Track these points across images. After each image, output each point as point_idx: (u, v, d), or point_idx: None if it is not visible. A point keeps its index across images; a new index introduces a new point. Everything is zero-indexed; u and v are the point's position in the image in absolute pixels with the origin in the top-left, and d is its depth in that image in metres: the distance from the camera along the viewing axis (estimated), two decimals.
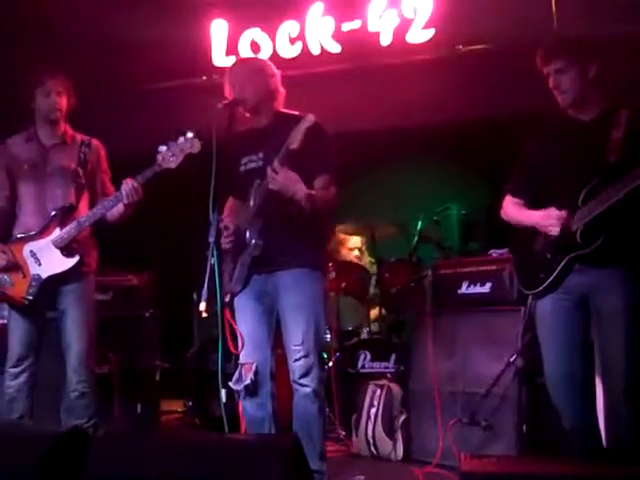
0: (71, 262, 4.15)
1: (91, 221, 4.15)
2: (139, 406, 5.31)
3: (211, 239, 3.28)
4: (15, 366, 4.21)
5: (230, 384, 3.63)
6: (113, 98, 6.33)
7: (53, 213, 4.17)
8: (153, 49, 6.13)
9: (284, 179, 3.49)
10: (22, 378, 4.22)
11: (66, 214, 4.17)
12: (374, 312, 5.96)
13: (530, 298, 3.68)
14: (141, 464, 2.59)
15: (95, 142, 4.41)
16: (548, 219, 3.42)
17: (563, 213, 3.36)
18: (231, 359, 3.74)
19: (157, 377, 5.71)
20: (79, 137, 4.38)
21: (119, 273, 5.55)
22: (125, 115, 6.32)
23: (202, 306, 3.20)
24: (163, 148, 3.96)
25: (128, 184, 4.06)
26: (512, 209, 3.69)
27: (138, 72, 6.30)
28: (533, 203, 3.62)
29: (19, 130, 4.37)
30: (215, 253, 3.26)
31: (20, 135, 4.36)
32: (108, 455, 2.67)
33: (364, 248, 6.42)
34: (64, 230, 4.13)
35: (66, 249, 4.14)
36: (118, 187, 4.16)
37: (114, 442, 2.75)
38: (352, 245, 6.40)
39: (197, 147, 3.93)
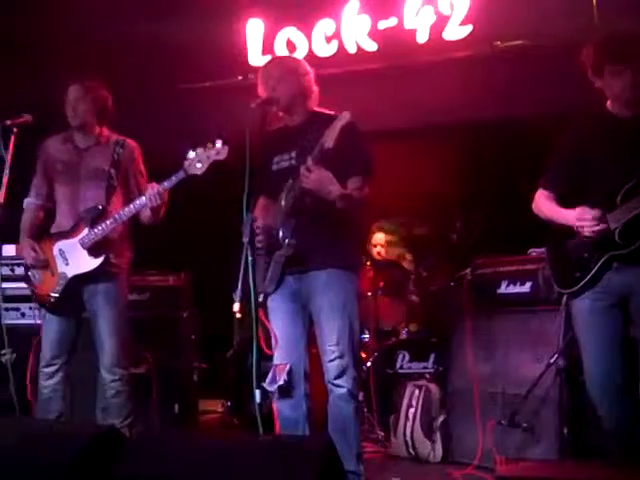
0: (96, 262, 4.18)
1: (117, 223, 4.17)
2: (176, 406, 5.32)
3: (245, 239, 3.26)
4: (48, 366, 4.25)
5: (264, 385, 3.60)
6: (150, 99, 6.36)
7: (83, 213, 4.22)
8: (189, 49, 6.15)
9: (318, 178, 3.46)
10: (56, 378, 4.26)
11: (96, 215, 4.21)
12: (412, 312, 5.90)
13: (565, 297, 3.61)
14: (173, 465, 2.58)
15: (130, 142, 4.42)
16: (583, 219, 3.35)
17: (597, 213, 3.29)
18: (269, 359, 3.72)
19: (195, 377, 5.73)
20: (114, 137, 4.41)
21: (157, 273, 5.57)
22: (161, 116, 6.35)
23: (236, 307, 3.19)
24: (191, 154, 3.97)
25: (153, 189, 4.09)
26: (544, 203, 3.62)
27: (174, 72, 6.33)
28: (565, 198, 3.54)
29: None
30: (249, 253, 3.23)
31: (58, 136, 4.41)
32: (140, 455, 2.67)
33: (389, 246, 6.36)
34: (92, 231, 4.17)
35: (93, 249, 4.17)
36: None
37: (147, 442, 2.75)
38: (376, 241, 6.35)
39: (224, 154, 3.94)
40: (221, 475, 2.49)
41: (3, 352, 4.22)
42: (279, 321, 3.71)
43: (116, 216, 4.17)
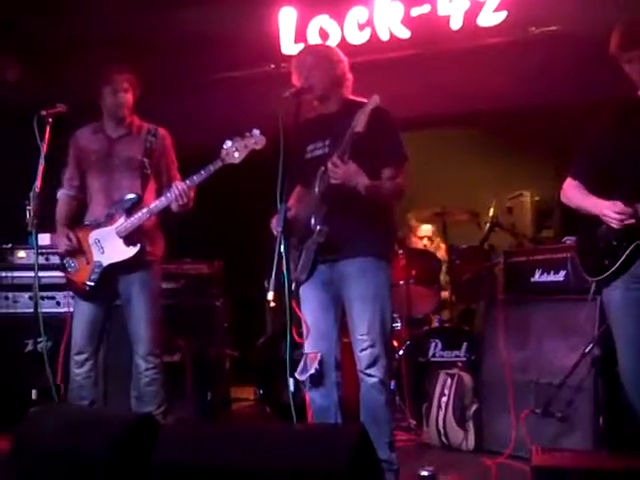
0: (132, 251, 4.22)
1: (152, 213, 4.22)
2: (209, 394, 5.35)
3: (279, 228, 3.27)
4: (79, 353, 4.30)
5: (295, 374, 3.61)
6: (183, 88, 6.38)
7: (118, 202, 4.25)
8: (221, 38, 6.14)
9: (344, 173, 3.46)
10: (87, 366, 4.31)
11: (132, 204, 4.24)
12: (445, 300, 5.88)
13: (594, 286, 3.57)
14: (207, 453, 2.61)
15: (161, 131, 4.45)
16: (612, 212, 3.30)
17: (629, 209, 3.25)
18: (300, 347, 3.73)
19: (227, 365, 5.76)
20: (145, 126, 4.44)
21: (191, 262, 5.61)
22: (194, 105, 6.37)
23: (270, 295, 3.20)
24: (228, 143, 3.99)
25: (178, 188, 4.14)
26: (573, 192, 3.57)
27: (207, 62, 6.32)
28: (594, 187, 3.50)
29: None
30: (283, 242, 3.24)
31: (88, 127, 4.45)
32: (175, 443, 2.70)
33: (434, 237, 6.35)
34: (128, 220, 4.20)
35: (128, 238, 4.21)
36: (185, 177, 4.22)
37: (182, 430, 2.77)
38: (422, 234, 6.34)
39: (262, 143, 3.98)
40: (256, 463, 2.51)
41: (39, 340, 4.26)
42: (311, 310, 3.71)
43: (151, 206, 4.21)
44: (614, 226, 3.29)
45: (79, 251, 4.29)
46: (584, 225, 3.54)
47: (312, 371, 3.63)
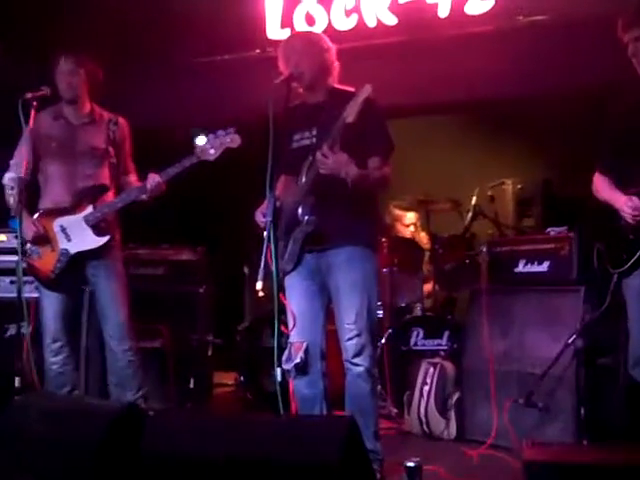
0: (102, 240, 4.23)
1: (123, 204, 4.23)
2: (192, 381, 5.34)
3: (268, 218, 3.26)
4: (55, 341, 4.28)
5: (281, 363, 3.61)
6: (166, 71, 6.31)
7: (84, 190, 4.24)
8: (207, 22, 6.09)
9: (334, 163, 3.44)
10: (64, 353, 4.31)
11: (99, 193, 4.25)
12: (427, 288, 5.89)
13: (615, 277, 3.58)
14: (196, 443, 2.60)
15: (122, 120, 4.45)
16: (628, 208, 3.33)
17: None
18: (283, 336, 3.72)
19: (209, 352, 5.75)
20: (106, 115, 4.42)
21: (172, 247, 5.57)
22: (178, 88, 6.31)
23: (259, 285, 3.19)
24: (203, 139, 3.98)
25: (154, 180, 4.17)
26: (600, 186, 3.59)
27: (191, 45, 6.26)
28: (617, 180, 3.51)
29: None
30: (272, 231, 3.22)
31: (47, 111, 4.34)
32: (164, 433, 2.69)
33: (419, 224, 6.36)
34: (97, 209, 4.20)
35: (97, 227, 4.20)
36: (163, 163, 4.18)
37: (170, 420, 2.77)
38: (408, 221, 6.34)
39: (237, 142, 4.01)
40: (244, 454, 2.50)
41: (22, 324, 4.22)
42: (297, 299, 3.71)
43: (123, 196, 4.23)
44: (630, 221, 3.33)
45: (43, 238, 4.24)
46: (602, 219, 3.55)
47: (297, 360, 3.63)
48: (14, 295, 4.57)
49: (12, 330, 5.17)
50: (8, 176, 4.36)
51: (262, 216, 3.54)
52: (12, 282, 5.24)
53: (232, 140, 4.01)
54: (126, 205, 4.26)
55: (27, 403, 3.13)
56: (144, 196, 4.23)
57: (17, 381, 4.26)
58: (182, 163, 4.10)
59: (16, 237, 4.93)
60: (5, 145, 4.44)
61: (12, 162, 4.38)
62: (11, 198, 4.31)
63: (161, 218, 6.41)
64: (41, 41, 5.89)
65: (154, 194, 4.21)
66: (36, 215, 4.26)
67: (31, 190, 4.33)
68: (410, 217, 6.32)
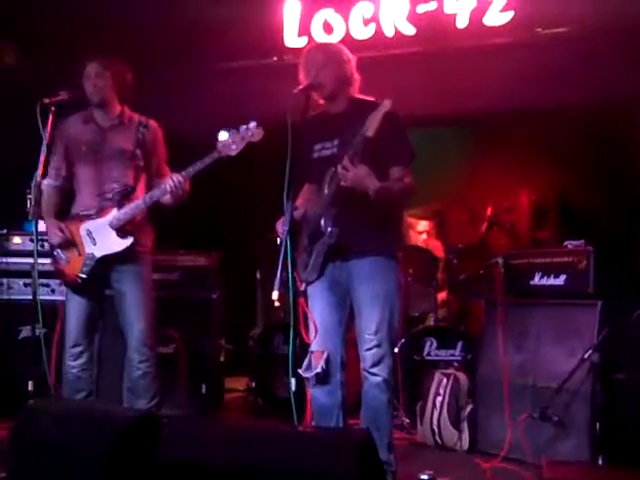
0: (125, 243, 4.19)
1: (147, 205, 4.19)
2: (204, 386, 5.33)
3: (285, 227, 3.25)
4: (75, 346, 4.27)
5: (300, 371, 3.60)
6: (184, 78, 6.34)
7: (110, 194, 4.22)
8: (225, 29, 6.10)
9: (355, 176, 3.43)
10: (84, 358, 4.29)
11: (124, 196, 4.22)
12: (441, 297, 5.87)
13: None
14: (213, 452, 2.59)
15: (152, 123, 4.41)
16: None
17: None
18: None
19: (222, 358, 5.75)
20: (136, 118, 4.40)
21: (187, 253, 5.58)
22: (195, 95, 6.33)
23: (275, 295, 3.17)
24: (225, 135, 3.96)
25: (173, 179, 4.11)
26: None
27: (209, 52, 6.28)
28: None
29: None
30: (289, 241, 3.22)
31: (77, 116, 4.37)
32: (179, 441, 2.67)
33: (434, 232, 6.34)
34: (121, 212, 4.17)
35: (121, 230, 4.18)
36: (179, 168, 4.18)
37: (187, 428, 2.75)
38: (421, 229, 6.33)
39: (259, 136, 3.95)
40: (260, 464, 2.49)
41: (37, 328, 4.23)
42: (319, 308, 3.70)
43: (146, 198, 4.18)
44: None
45: (70, 243, 4.24)
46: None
47: (318, 370, 3.63)
48: (27, 297, 4.62)
49: (25, 332, 5.19)
50: (45, 182, 4.36)
51: (281, 227, 3.53)
52: (26, 285, 5.29)
53: (253, 134, 3.95)
54: (150, 207, 4.22)
55: (40, 408, 3.11)
56: (168, 198, 4.19)
57: (30, 385, 4.29)
58: (203, 160, 4.06)
59: (31, 240, 4.99)
60: (21, 149, 4.46)
61: (50, 167, 4.38)
62: (43, 203, 4.34)
63: (175, 223, 6.43)
64: (60, 46, 5.93)
65: (177, 195, 4.15)
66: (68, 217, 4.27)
67: (66, 195, 4.36)
68: (423, 224, 6.31)
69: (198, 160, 4.08)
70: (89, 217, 4.23)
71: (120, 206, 4.18)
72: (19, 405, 3.17)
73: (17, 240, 5.40)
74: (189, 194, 4.26)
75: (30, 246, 5.18)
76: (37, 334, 4.20)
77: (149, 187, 4.32)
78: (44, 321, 4.28)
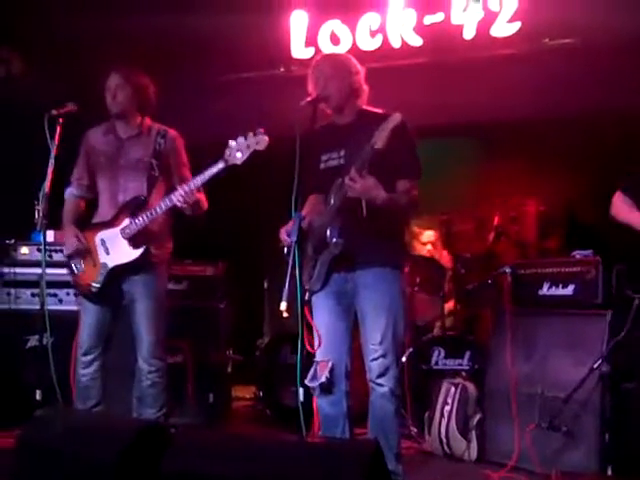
0: (136, 253, 4.19)
1: (155, 216, 4.17)
2: (211, 396, 5.33)
3: (293, 238, 3.25)
4: (86, 354, 4.28)
5: (305, 381, 3.60)
6: (192, 89, 6.37)
7: (124, 204, 4.23)
8: (232, 40, 6.13)
9: (362, 187, 3.43)
10: (94, 366, 4.29)
11: (137, 205, 4.22)
12: (449, 307, 5.87)
13: (637, 301, 3.54)
14: (219, 464, 2.59)
15: (172, 132, 4.41)
16: None
17: None
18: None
19: (229, 368, 5.75)
20: (156, 127, 4.40)
21: (195, 263, 5.59)
22: (203, 105, 6.35)
23: (283, 306, 3.18)
24: (232, 144, 3.97)
25: (179, 190, 4.10)
26: (620, 207, 3.57)
27: (217, 63, 6.32)
28: None
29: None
30: (297, 252, 3.22)
31: (99, 127, 4.41)
32: (186, 452, 2.68)
33: (440, 242, 6.34)
34: (133, 221, 4.17)
35: (133, 240, 4.18)
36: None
37: (193, 439, 2.75)
38: (426, 239, 6.33)
39: (264, 144, 3.94)
40: (268, 475, 2.49)
41: (45, 336, 4.23)
42: (323, 318, 3.71)
43: (157, 208, 4.17)
44: None
45: (86, 252, 4.26)
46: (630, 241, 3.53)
47: (323, 379, 3.63)
48: (35, 307, 4.63)
49: (33, 342, 5.20)
50: (68, 191, 4.42)
51: (286, 234, 3.54)
52: (33, 295, 5.30)
53: (259, 142, 3.94)
54: (166, 216, 4.23)
55: (48, 418, 3.12)
56: (185, 208, 4.15)
57: (38, 394, 4.29)
58: (210, 170, 4.05)
59: (39, 250, 5.01)
60: (28, 159, 4.48)
61: (72, 178, 4.43)
62: (69, 211, 4.38)
63: (181, 232, 6.44)
64: (68, 58, 5.96)
65: (185, 203, 4.10)
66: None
67: (89, 205, 4.40)
68: (428, 235, 6.31)
69: (205, 170, 4.09)
70: (104, 226, 4.25)
71: (133, 216, 4.18)
72: (27, 415, 3.19)
73: (25, 250, 5.42)
74: (207, 204, 4.29)
75: (37, 256, 5.20)
76: (45, 344, 4.19)
77: (159, 195, 4.30)
78: (52, 331, 4.28)
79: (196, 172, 4.18)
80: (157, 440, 2.76)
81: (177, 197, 4.09)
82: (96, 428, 2.94)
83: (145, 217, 4.16)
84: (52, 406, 4.01)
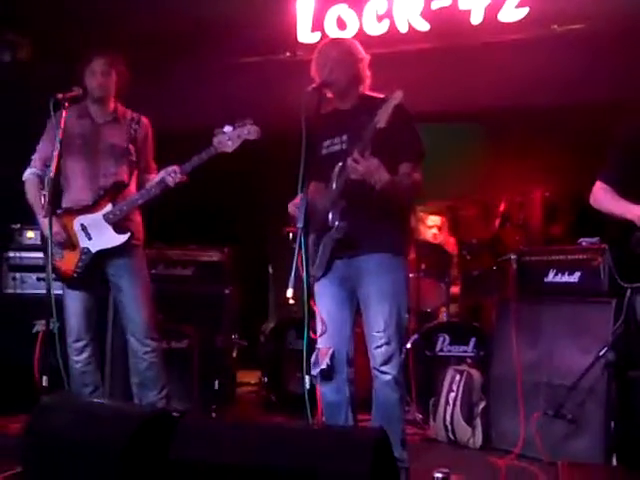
0: (123, 238, 4.22)
1: (143, 200, 4.22)
2: (216, 382, 5.34)
3: (299, 224, 3.24)
4: (77, 340, 4.31)
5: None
6: (197, 73, 6.34)
7: (105, 188, 4.24)
8: (238, 24, 6.08)
9: (365, 169, 3.40)
10: (87, 352, 4.33)
11: (118, 190, 4.25)
12: (454, 291, 5.86)
13: (629, 291, 3.53)
14: (225, 450, 2.60)
15: (144, 119, 4.46)
16: None
17: None
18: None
19: (234, 354, 5.76)
20: (129, 114, 4.44)
21: (200, 248, 5.59)
22: (209, 90, 6.33)
23: (289, 292, 3.17)
24: (221, 131, 3.98)
25: (172, 174, 4.14)
26: (603, 196, 3.54)
27: (222, 47, 6.26)
28: (626, 191, 3.47)
29: None
30: (303, 239, 3.21)
31: (71, 110, 4.28)
32: (193, 439, 2.68)
33: (446, 227, 6.33)
34: (117, 207, 4.20)
35: (118, 225, 4.21)
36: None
37: (200, 427, 2.76)
38: (431, 223, 6.32)
39: (255, 134, 3.97)
40: (274, 463, 2.49)
41: (52, 321, 4.24)
42: (326, 305, 3.70)
43: (143, 193, 4.22)
44: None
45: (64, 237, 4.25)
46: (615, 230, 3.51)
47: (323, 366, 3.62)
48: (40, 292, 4.62)
49: (39, 327, 5.21)
50: (29, 171, 4.39)
51: (295, 208, 3.52)
52: (39, 279, 5.31)
53: (249, 132, 3.99)
54: (147, 202, 4.25)
55: (55, 404, 3.13)
56: (170, 181, 4.18)
57: (45, 380, 4.30)
58: (200, 156, 4.10)
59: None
60: (34, 144, 4.47)
61: (34, 157, 4.40)
62: (30, 195, 4.35)
63: (186, 217, 6.44)
64: (73, 42, 5.92)
65: (177, 184, 4.18)
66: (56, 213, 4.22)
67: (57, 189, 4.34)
68: (434, 219, 6.29)
69: (195, 155, 4.12)
70: (83, 211, 4.25)
71: (115, 201, 4.20)
72: (33, 400, 3.20)
73: (30, 234, 5.44)
74: (193, 181, 4.27)
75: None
76: (51, 328, 4.19)
77: (137, 181, 4.38)
78: (58, 316, 4.29)
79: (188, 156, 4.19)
80: (164, 427, 2.77)
81: (170, 180, 4.13)
82: (104, 415, 2.95)
83: (131, 202, 4.20)
84: (59, 392, 4.02)
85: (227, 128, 4.01)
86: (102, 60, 4.30)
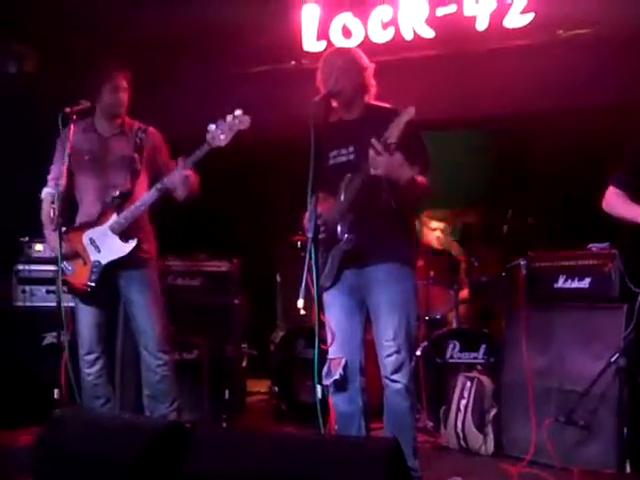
0: (129, 247, 4.20)
1: (145, 206, 4.20)
2: (227, 392, 5.34)
3: (309, 235, 3.24)
4: (89, 353, 4.30)
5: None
6: (203, 82, 6.36)
7: (109, 200, 4.23)
8: (243, 33, 6.10)
9: (388, 163, 3.38)
10: (99, 365, 4.32)
11: (122, 200, 4.23)
12: (463, 295, 5.85)
13: None
14: (240, 463, 2.59)
15: (151, 129, 4.44)
16: None
17: None
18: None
19: (244, 363, 5.76)
20: (136, 125, 4.43)
21: (209, 259, 5.59)
22: (214, 99, 6.32)
23: (300, 303, 3.17)
24: (212, 127, 3.98)
25: (165, 178, 4.15)
26: (615, 201, 3.54)
27: (228, 56, 6.29)
28: (638, 197, 3.47)
29: None
30: (313, 250, 3.21)
31: (78, 125, 4.27)
32: (206, 452, 2.68)
33: (447, 230, 6.32)
34: (121, 216, 4.19)
35: (124, 234, 4.19)
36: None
37: (214, 439, 2.75)
38: (435, 226, 6.32)
39: (246, 123, 3.97)
40: (288, 474, 2.49)
41: (62, 333, 4.24)
42: (335, 315, 3.70)
43: (145, 198, 4.20)
44: None
45: (74, 253, 4.25)
46: (627, 235, 3.51)
47: (336, 376, 3.63)
48: (50, 304, 4.63)
49: (49, 339, 5.22)
50: (46, 191, 4.41)
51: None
52: (48, 292, 5.32)
53: (241, 122, 4.00)
54: (150, 206, 4.23)
55: (67, 417, 3.13)
56: (180, 191, 4.18)
57: (56, 393, 4.30)
58: (196, 153, 4.09)
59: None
60: (42, 156, 4.48)
61: (50, 177, 4.42)
62: (44, 212, 4.37)
63: (194, 227, 6.44)
64: (79, 51, 5.95)
65: (186, 190, 4.17)
66: (63, 230, 4.17)
67: (69, 205, 4.33)
68: (437, 223, 6.29)
69: (189, 154, 4.11)
70: (91, 225, 4.25)
71: (119, 210, 4.20)
72: (44, 412, 3.21)
73: (39, 247, 5.45)
74: (200, 189, 4.29)
75: (52, 253, 5.21)
76: (61, 341, 4.20)
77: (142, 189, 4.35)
78: (68, 328, 4.30)
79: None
80: (176, 440, 2.77)
81: (167, 180, 4.14)
82: (116, 428, 2.95)
83: (134, 209, 4.18)
84: (71, 405, 4.02)
85: (218, 122, 4.01)
86: (123, 76, 4.32)
